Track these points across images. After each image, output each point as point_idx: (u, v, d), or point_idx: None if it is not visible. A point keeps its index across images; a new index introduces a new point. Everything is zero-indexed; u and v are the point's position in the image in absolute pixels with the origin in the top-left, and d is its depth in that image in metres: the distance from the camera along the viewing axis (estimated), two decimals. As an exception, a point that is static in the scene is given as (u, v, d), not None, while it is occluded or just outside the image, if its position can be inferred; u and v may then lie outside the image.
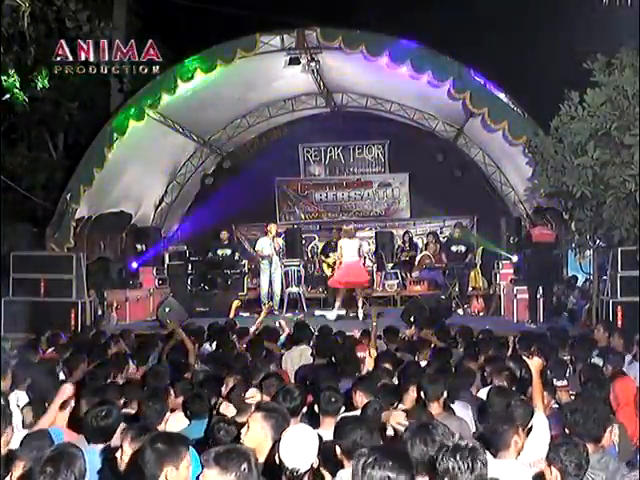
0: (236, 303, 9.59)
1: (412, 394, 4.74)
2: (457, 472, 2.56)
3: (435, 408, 4.47)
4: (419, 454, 3.00)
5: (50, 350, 7.48)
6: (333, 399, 4.18)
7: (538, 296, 10.58)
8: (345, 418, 3.73)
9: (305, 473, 3.04)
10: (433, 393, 4.51)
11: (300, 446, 3.07)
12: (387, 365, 5.75)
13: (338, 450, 3.35)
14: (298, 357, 6.98)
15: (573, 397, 4.97)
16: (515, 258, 12.24)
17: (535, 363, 4.42)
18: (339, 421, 3.64)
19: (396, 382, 5.24)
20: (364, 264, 11.77)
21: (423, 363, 6.17)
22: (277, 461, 3.06)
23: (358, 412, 4.19)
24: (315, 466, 3.09)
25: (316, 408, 4.22)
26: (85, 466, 2.78)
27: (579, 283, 12.61)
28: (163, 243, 14.73)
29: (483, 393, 5.40)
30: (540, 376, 4.38)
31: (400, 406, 4.66)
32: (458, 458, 2.58)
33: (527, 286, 10.78)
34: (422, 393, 4.55)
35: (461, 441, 2.70)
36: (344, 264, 11.25)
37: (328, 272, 12.88)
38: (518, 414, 3.80)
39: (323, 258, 13.03)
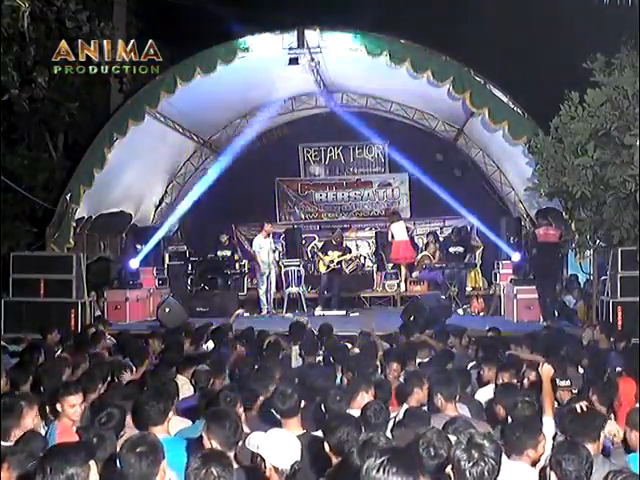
0: (238, 311, 9.72)
1: (417, 395, 4.73)
2: (467, 465, 2.59)
3: (450, 409, 4.48)
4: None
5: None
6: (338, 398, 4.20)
7: (545, 296, 10.66)
8: (333, 415, 3.76)
9: (291, 472, 3.07)
10: (449, 394, 4.51)
11: (282, 446, 3.12)
12: (394, 365, 5.76)
13: (326, 446, 3.37)
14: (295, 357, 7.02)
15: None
16: (517, 258, 12.20)
17: (545, 370, 4.48)
18: (327, 418, 3.67)
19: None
20: (411, 243, 13.78)
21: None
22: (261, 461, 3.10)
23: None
24: (297, 467, 3.11)
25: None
26: (90, 464, 2.75)
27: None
28: (163, 243, 14.76)
29: (480, 394, 5.42)
30: (551, 382, 4.48)
31: (404, 406, 4.67)
32: (472, 452, 2.61)
33: (535, 286, 10.86)
34: (438, 394, 4.53)
35: (475, 435, 2.72)
36: (396, 243, 13.51)
37: (322, 270, 12.86)
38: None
39: (321, 255, 12.99)
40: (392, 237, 13.63)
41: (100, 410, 4.09)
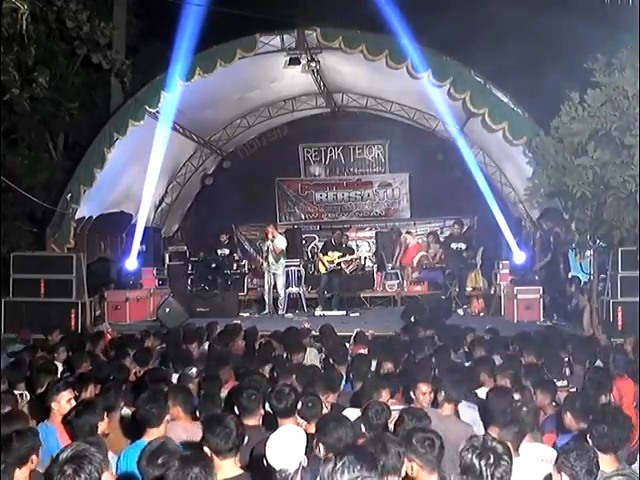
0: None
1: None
2: (482, 469, 2.57)
3: (449, 409, 4.48)
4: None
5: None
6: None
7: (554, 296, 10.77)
8: (327, 416, 3.77)
9: (295, 472, 3.05)
10: (456, 395, 4.51)
11: (287, 446, 3.08)
12: (390, 364, 5.77)
13: (322, 447, 3.37)
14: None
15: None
16: (522, 258, 12.13)
17: None
18: (322, 419, 3.68)
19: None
20: (421, 247, 14.44)
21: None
22: (265, 462, 3.07)
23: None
24: (304, 465, 3.08)
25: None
26: (102, 466, 2.71)
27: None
28: (163, 243, 14.74)
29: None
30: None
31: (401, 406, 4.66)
32: (483, 456, 2.59)
33: (546, 286, 10.94)
34: (444, 393, 4.52)
35: (487, 439, 2.69)
36: (411, 246, 14.26)
37: (322, 270, 12.83)
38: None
39: (321, 255, 12.96)
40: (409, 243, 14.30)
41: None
